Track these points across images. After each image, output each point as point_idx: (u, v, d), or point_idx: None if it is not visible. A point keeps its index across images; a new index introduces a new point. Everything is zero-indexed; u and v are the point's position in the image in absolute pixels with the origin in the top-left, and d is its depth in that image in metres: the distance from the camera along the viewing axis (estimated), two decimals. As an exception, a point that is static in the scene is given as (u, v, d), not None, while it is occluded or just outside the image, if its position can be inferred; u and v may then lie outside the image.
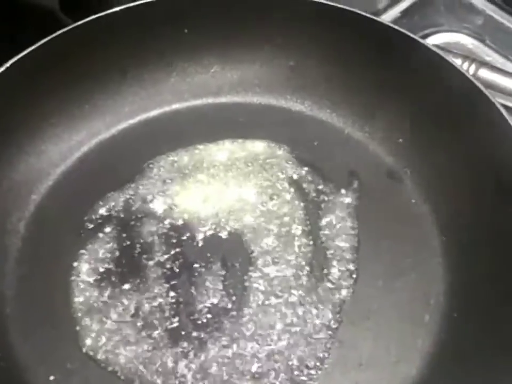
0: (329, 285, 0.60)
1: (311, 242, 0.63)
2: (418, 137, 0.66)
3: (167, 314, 0.58)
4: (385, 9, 0.85)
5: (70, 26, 0.65)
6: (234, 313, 0.58)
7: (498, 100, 0.60)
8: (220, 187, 0.66)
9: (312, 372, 0.56)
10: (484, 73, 0.74)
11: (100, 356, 0.56)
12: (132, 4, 0.67)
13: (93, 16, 0.65)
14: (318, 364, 0.56)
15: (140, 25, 0.68)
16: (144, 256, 0.61)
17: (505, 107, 0.62)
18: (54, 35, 0.64)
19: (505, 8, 0.85)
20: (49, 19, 0.73)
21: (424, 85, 0.65)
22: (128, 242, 0.62)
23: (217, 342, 0.57)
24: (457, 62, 0.71)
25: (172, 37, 0.70)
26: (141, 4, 0.67)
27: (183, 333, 0.57)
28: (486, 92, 0.60)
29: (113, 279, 0.60)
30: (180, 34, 0.70)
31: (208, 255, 0.62)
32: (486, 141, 0.60)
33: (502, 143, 0.58)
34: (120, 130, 0.71)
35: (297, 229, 0.63)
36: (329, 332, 0.58)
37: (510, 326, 0.53)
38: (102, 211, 0.64)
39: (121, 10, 0.66)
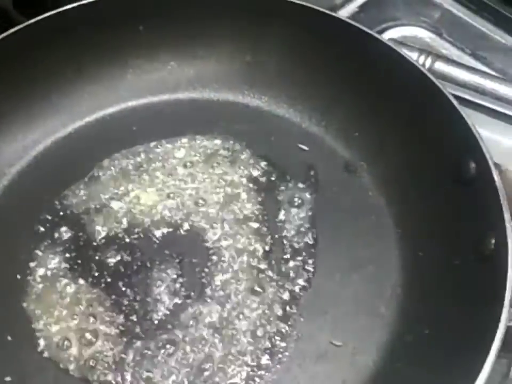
0: (286, 279, 0.60)
1: (269, 237, 0.63)
2: (373, 131, 0.67)
3: (123, 312, 0.58)
4: (342, 4, 0.85)
5: (23, 24, 0.64)
6: (192, 310, 0.58)
7: (453, 92, 0.61)
8: (178, 184, 0.66)
9: (270, 365, 0.56)
10: (440, 66, 0.75)
11: (56, 356, 0.55)
12: (85, 1, 0.66)
13: (47, 14, 0.65)
14: (276, 357, 0.56)
15: (94, 23, 0.67)
16: (100, 254, 0.61)
17: (461, 99, 0.63)
18: (6, 33, 0.63)
19: (461, 2, 0.86)
20: (1, 17, 0.72)
21: (379, 78, 0.66)
22: (84, 241, 0.62)
23: (174, 339, 0.57)
24: (413, 55, 0.72)
25: (127, 33, 0.69)
26: (95, 0, 0.66)
27: (140, 331, 0.57)
28: (438, 83, 0.60)
29: (69, 278, 0.60)
30: (135, 31, 0.69)
31: (166, 252, 0.62)
32: (440, 133, 0.61)
33: (455, 135, 0.59)
34: (77, 128, 0.70)
35: (255, 224, 0.63)
36: (287, 326, 0.58)
37: (465, 318, 0.53)
38: (58, 210, 0.64)
39: (75, 7, 0.66)
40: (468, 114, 0.58)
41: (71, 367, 0.55)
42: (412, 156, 0.63)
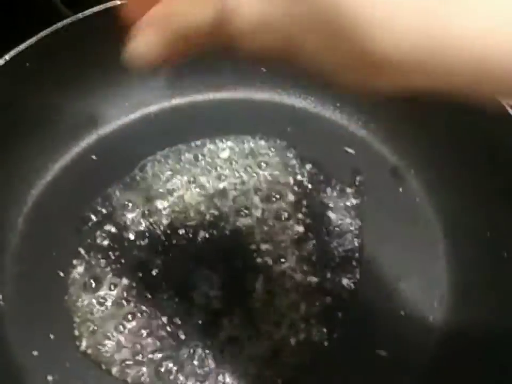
0: (330, 285, 0.59)
1: (314, 242, 0.62)
2: (424, 137, 0.65)
3: (166, 314, 0.57)
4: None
5: (71, 18, 0.63)
6: (234, 314, 0.57)
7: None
8: (222, 185, 0.65)
9: (311, 377, 0.55)
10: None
11: (97, 356, 0.55)
12: (133, -3, 0.65)
13: (94, 8, 0.64)
14: (316, 369, 0.55)
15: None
16: (143, 254, 0.60)
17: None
18: (54, 27, 0.63)
19: None
20: (49, 11, 0.72)
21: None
22: (128, 241, 0.61)
23: (216, 343, 0.56)
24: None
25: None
26: (143, -4, 0.66)
27: (182, 334, 0.56)
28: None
29: (111, 277, 0.59)
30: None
31: (209, 253, 0.61)
32: (495, 146, 0.59)
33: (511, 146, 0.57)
34: (121, 125, 0.69)
35: (299, 228, 0.62)
36: (331, 334, 0.57)
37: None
38: (101, 208, 0.63)
39: (123, 2, 0.65)
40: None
41: (114, 369, 0.55)
42: (464, 166, 0.61)
